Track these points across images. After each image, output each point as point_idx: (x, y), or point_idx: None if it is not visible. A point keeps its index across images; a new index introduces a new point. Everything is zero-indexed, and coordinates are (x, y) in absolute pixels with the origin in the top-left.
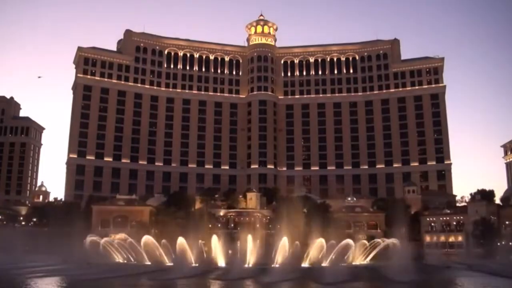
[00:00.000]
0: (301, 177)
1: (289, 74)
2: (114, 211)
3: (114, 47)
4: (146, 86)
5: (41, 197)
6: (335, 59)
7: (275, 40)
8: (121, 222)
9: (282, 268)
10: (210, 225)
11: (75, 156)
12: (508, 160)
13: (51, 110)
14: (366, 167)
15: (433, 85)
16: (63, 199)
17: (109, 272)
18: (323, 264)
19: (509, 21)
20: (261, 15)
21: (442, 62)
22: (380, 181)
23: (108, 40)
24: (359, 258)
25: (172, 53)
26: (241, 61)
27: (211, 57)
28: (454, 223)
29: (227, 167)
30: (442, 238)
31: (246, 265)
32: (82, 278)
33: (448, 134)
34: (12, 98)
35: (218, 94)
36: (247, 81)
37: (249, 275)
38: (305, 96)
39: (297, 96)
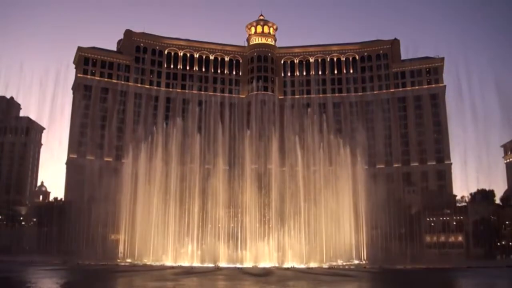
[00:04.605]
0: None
1: (289, 74)
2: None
3: (114, 47)
4: (146, 86)
5: (41, 197)
6: (335, 59)
7: (275, 40)
8: None
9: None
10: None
11: (75, 156)
12: (508, 160)
13: (51, 110)
14: (366, 167)
15: (433, 85)
16: (63, 199)
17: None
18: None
19: (509, 20)
20: (261, 15)
21: (442, 62)
22: (380, 181)
23: (108, 40)
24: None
25: (172, 53)
26: (241, 61)
27: (211, 57)
28: (454, 223)
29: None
30: (442, 238)
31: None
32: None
33: (448, 134)
34: (12, 98)
35: (218, 94)
36: (247, 81)
37: None
38: (305, 96)
39: (297, 96)
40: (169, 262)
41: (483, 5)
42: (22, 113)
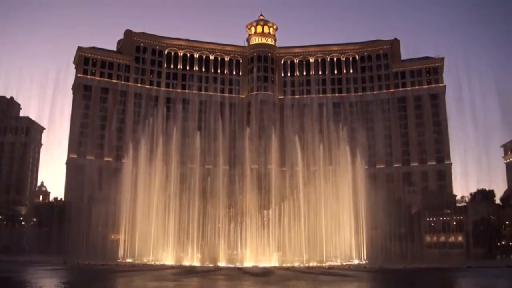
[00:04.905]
0: None
1: (289, 74)
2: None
3: (114, 47)
4: (146, 86)
5: (41, 197)
6: (335, 59)
7: (275, 40)
8: None
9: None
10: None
11: (75, 156)
12: (508, 160)
13: (51, 110)
14: (367, 167)
15: (433, 85)
16: (63, 199)
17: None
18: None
19: (509, 20)
20: (261, 15)
21: (442, 62)
22: (380, 181)
23: (108, 40)
24: None
25: (172, 53)
26: (241, 61)
27: (211, 57)
28: (454, 223)
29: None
30: (442, 238)
31: None
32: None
33: (448, 134)
34: (12, 98)
35: (218, 94)
36: (247, 81)
37: None
38: (305, 96)
39: (297, 96)
40: (169, 262)
41: (483, 5)
42: (22, 113)
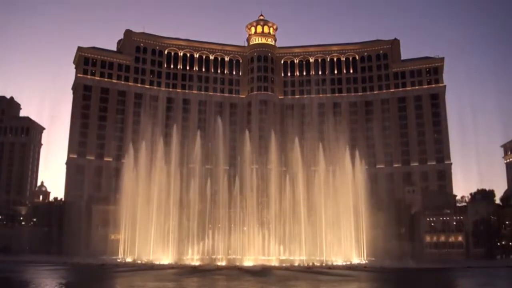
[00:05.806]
0: None
1: (289, 74)
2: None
3: (114, 47)
4: (146, 86)
5: (41, 197)
6: (335, 59)
7: (275, 40)
8: None
9: None
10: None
11: (75, 156)
12: (508, 160)
13: (51, 110)
14: (367, 167)
15: (433, 85)
16: (63, 199)
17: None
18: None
19: (509, 20)
20: (261, 15)
21: (442, 62)
22: (380, 181)
23: (108, 40)
24: None
25: (172, 53)
26: (241, 61)
27: (211, 57)
28: (454, 223)
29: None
30: (442, 238)
31: None
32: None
33: (448, 134)
34: (12, 98)
35: (218, 94)
36: (247, 81)
37: None
38: (305, 96)
39: (297, 96)
40: (169, 262)
41: (482, 5)
42: (22, 113)
